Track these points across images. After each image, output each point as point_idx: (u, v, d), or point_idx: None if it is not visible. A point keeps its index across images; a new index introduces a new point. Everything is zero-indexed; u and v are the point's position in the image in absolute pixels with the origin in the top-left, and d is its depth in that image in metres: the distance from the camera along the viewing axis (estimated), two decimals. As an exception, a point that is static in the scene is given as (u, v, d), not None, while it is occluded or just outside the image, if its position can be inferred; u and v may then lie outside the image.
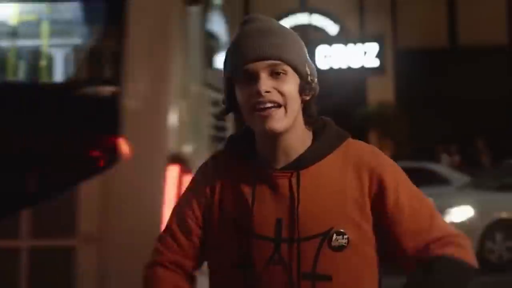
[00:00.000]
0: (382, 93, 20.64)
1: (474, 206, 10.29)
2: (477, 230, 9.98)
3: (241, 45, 1.89)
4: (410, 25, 21.60)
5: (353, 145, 1.97)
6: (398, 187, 1.91)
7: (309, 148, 1.93)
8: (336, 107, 21.02)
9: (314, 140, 1.95)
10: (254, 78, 1.86)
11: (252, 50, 1.87)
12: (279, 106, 1.86)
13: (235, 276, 1.91)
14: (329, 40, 20.56)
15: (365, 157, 1.94)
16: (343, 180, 1.91)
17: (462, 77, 20.91)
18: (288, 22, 21.44)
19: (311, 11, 21.29)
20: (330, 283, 1.85)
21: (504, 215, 10.27)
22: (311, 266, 1.85)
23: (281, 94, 1.86)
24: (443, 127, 20.34)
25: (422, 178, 12.87)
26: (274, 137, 1.89)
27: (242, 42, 1.90)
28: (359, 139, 2.02)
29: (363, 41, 20.61)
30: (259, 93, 1.84)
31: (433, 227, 1.89)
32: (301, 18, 21.43)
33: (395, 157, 19.72)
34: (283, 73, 1.87)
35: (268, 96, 1.84)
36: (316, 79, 1.95)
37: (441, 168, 13.80)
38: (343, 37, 20.75)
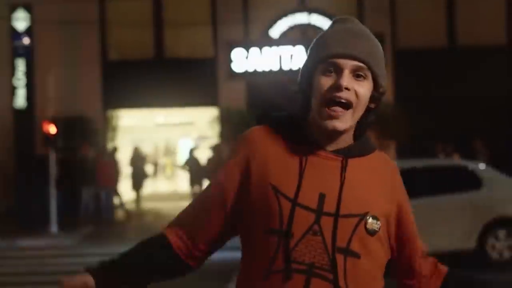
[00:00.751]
0: (381, 93, 20.64)
1: None
2: None
3: (336, 39, 2.03)
4: (409, 25, 21.60)
5: (385, 156, 2.19)
6: (411, 214, 2.18)
7: (358, 141, 2.11)
8: (335, 106, 21.02)
9: (354, 137, 2.12)
10: (338, 71, 2.00)
11: (347, 47, 2.01)
12: (349, 107, 2.01)
13: (269, 241, 2.00)
14: (328, 39, 20.52)
15: (397, 175, 2.16)
16: (380, 182, 2.10)
17: (461, 77, 20.92)
18: (287, 22, 21.44)
19: (310, 10, 21.27)
20: (359, 260, 2.01)
21: None
22: (346, 241, 2.00)
23: (356, 95, 2.01)
24: (442, 127, 20.35)
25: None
26: (332, 132, 2.04)
27: (337, 37, 2.04)
28: None
29: (362, 40, 20.60)
30: (340, 87, 1.99)
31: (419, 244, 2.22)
32: (300, 18, 21.42)
33: (395, 157, 19.73)
34: (363, 77, 2.02)
35: (345, 93, 1.99)
36: (385, 93, 2.12)
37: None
38: (342, 37, 20.71)
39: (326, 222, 1.99)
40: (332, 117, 1.99)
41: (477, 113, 20.54)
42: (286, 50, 20.77)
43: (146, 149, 27.52)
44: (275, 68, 20.83)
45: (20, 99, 20.78)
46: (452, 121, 20.50)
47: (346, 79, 1.99)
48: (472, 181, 11.33)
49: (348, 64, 2.00)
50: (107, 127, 21.73)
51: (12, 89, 20.82)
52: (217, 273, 9.98)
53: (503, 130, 20.51)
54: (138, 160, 21.67)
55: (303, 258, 1.97)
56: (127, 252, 2.11)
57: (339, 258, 1.98)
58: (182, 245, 2.09)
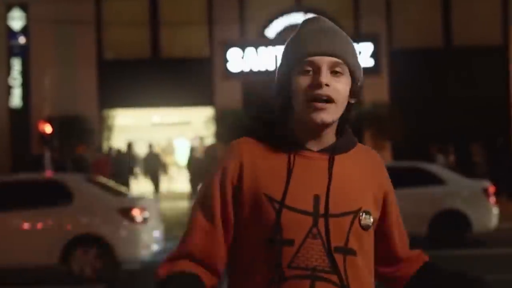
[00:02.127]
0: (377, 93, 20.67)
1: None
2: None
3: (310, 39, 2.05)
4: (405, 25, 21.63)
5: (368, 149, 2.19)
6: (396, 204, 2.20)
7: (341, 138, 2.10)
8: (331, 106, 21.08)
9: (337, 133, 2.12)
10: (315, 70, 2.01)
11: (321, 45, 2.02)
12: (331, 101, 2.01)
13: (270, 250, 1.99)
14: (324, 39, 20.56)
15: (380, 164, 2.18)
16: (366, 173, 2.11)
17: (457, 77, 20.96)
18: (283, 21, 21.46)
19: (306, 10, 21.29)
20: (356, 257, 2.02)
21: None
22: (344, 240, 2.01)
23: (336, 91, 2.01)
24: (438, 127, 20.39)
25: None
26: (319, 126, 2.03)
27: (310, 36, 2.05)
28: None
29: (358, 41, 20.63)
30: (320, 85, 1.99)
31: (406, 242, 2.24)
32: (296, 18, 21.43)
33: (391, 157, 19.71)
34: (340, 73, 2.03)
35: (326, 90, 1.99)
36: (362, 86, 2.14)
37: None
38: (338, 37, 20.74)
39: (323, 224, 1.99)
40: (318, 110, 1.99)
41: (472, 113, 20.58)
42: (282, 50, 20.79)
43: (143, 148, 27.43)
44: (271, 68, 20.84)
45: (16, 99, 20.78)
46: (447, 121, 20.54)
47: (325, 76, 2.00)
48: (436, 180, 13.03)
49: (325, 61, 2.01)
50: (102, 126, 21.73)
51: (8, 89, 20.82)
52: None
53: (498, 130, 20.55)
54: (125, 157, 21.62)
55: (306, 263, 1.97)
56: None
57: (339, 258, 1.99)
58: (210, 280, 2.05)
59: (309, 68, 2.02)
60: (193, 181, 18.91)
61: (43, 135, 16.65)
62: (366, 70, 22.03)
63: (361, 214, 2.03)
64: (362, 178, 2.09)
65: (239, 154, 2.07)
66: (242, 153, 2.07)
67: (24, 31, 20.74)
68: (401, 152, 19.34)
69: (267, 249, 1.99)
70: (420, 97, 20.72)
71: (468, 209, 12.72)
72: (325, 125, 2.03)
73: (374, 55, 20.70)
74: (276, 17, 21.38)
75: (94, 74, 21.74)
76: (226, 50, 21.20)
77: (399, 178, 12.99)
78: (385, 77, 21.08)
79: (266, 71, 20.90)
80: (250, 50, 21.02)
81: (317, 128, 2.04)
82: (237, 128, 20.07)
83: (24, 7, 20.79)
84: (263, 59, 20.92)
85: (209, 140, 21.45)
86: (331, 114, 2.01)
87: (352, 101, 2.10)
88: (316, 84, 1.99)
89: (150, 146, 21.30)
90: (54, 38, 21.26)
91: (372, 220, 2.06)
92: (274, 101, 2.14)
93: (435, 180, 13.05)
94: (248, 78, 21.24)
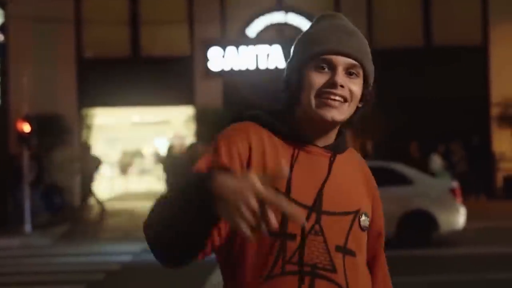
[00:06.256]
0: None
1: None
2: None
3: (328, 36, 2.01)
4: (385, 25, 21.68)
5: (355, 152, 2.19)
6: (380, 211, 2.19)
7: (339, 138, 2.09)
8: (312, 106, 21.11)
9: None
10: (331, 68, 1.98)
11: (340, 44, 1.99)
12: (345, 101, 1.99)
13: (269, 243, 1.91)
14: (305, 39, 20.58)
15: (367, 168, 2.18)
16: (359, 175, 2.12)
17: (437, 76, 21.04)
18: (264, 21, 21.43)
19: (287, 9, 21.30)
20: (355, 258, 2.01)
21: None
22: (344, 240, 1.99)
23: (350, 92, 1.99)
24: (418, 126, 20.46)
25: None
26: (327, 123, 2.00)
27: (328, 33, 2.02)
28: None
29: (338, 40, 20.66)
30: (335, 84, 1.96)
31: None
32: (277, 17, 21.43)
33: (371, 157, 19.78)
34: (356, 75, 2.00)
35: (340, 90, 1.97)
36: (373, 93, 2.13)
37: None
38: (319, 36, 20.77)
39: (325, 221, 1.96)
40: (330, 107, 1.97)
41: (453, 112, 20.68)
42: (262, 49, 20.78)
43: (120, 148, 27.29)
44: (252, 67, 20.83)
45: (-6, 97, 20.55)
46: (428, 121, 20.62)
47: (341, 77, 1.97)
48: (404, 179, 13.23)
49: (342, 62, 1.98)
50: (82, 125, 21.60)
51: (-14, 87, 20.60)
52: (199, 266, 9.93)
53: (478, 130, 20.67)
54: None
55: (306, 259, 1.93)
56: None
57: (339, 257, 1.97)
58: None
59: (324, 65, 1.98)
60: (168, 180, 18.84)
61: (21, 134, 16.48)
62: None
63: (360, 215, 2.03)
64: (358, 179, 2.10)
65: (247, 134, 1.98)
66: (251, 135, 1.98)
67: (2, 29, 20.52)
68: (382, 151, 19.38)
69: (265, 243, 1.92)
70: (401, 96, 20.77)
71: (436, 209, 12.80)
72: (334, 123, 2.01)
73: (354, 54, 20.73)
74: (257, 16, 21.35)
75: (74, 73, 21.60)
76: (207, 49, 21.15)
77: None
78: (365, 76, 21.13)
79: (247, 70, 20.88)
80: (231, 49, 20.97)
81: (324, 125, 2.01)
82: (217, 127, 20.04)
83: (2, 5, 20.58)
84: (243, 58, 20.89)
85: (190, 139, 21.39)
86: (342, 113, 1.98)
87: (360, 105, 2.06)
88: (332, 83, 1.97)
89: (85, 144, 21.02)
90: (33, 36, 21.09)
91: (369, 221, 2.06)
92: (281, 94, 2.09)
93: (403, 180, 13.13)
94: (229, 77, 21.20)
